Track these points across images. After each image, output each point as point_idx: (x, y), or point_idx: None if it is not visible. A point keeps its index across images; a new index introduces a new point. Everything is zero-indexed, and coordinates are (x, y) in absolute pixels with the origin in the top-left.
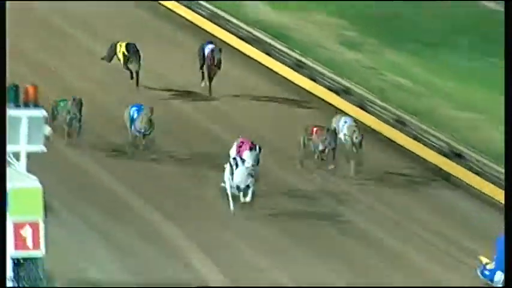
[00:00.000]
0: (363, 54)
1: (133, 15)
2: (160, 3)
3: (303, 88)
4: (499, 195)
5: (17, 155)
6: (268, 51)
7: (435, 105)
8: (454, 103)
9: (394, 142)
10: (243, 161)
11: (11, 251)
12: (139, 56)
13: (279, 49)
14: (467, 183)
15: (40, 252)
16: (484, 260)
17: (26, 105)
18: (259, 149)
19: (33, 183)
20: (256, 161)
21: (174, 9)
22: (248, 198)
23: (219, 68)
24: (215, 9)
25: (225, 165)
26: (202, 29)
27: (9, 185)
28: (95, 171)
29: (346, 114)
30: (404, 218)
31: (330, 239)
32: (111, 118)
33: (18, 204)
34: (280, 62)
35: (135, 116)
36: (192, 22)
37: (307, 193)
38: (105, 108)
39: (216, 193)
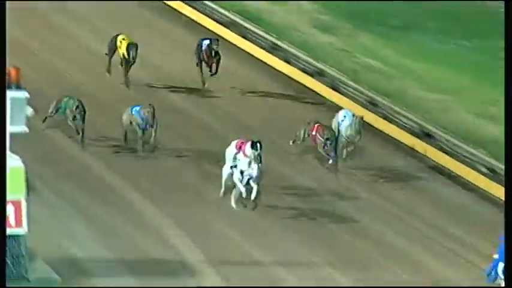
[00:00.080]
0: (336, 37)
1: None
2: None
3: (278, 70)
4: (469, 174)
5: None
6: (245, 34)
7: (406, 87)
8: (424, 85)
9: (366, 122)
10: (243, 157)
11: None
12: (136, 55)
13: (255, 32)
14: (437, 162)
15: (22, 230)
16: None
17: (9, 87)
18: (261, 146)
19: (15, 162)
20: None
21: None
22: (253, 196)
23: (218, 60)
24: None
25: (226, 166)
26: (183, 14)
27: None
28: (77, 152)
29: (345, 109)
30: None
31: (303, 215)
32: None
33: None
34: (256, 45)
35: (138, 116)
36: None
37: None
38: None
39: (196, 174)
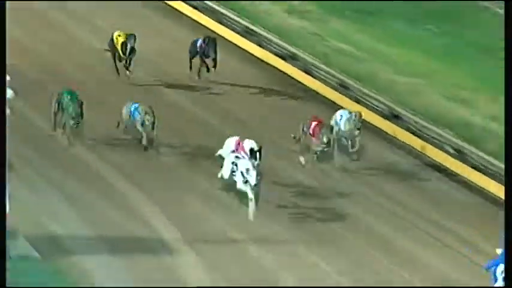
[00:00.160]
0: (308, 21)
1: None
2: None
3: (251, 54)
4: (437, 155)
5: None
6: (220, 19)
7: (377, 70)
8: (395, 68)
9: (338, 105)
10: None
11: None
12: (134, 49)
13: (229, 17)
14: (405, 143)
15: None
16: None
17: None
18: (260, 149)
19: None
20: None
21: None
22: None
23: (215, 59)
24: None
25: (224, 163)
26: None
27: None
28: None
29: (343, 108)
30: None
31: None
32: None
33: None
34: (231, 29)
35: (136, 114)
36: None
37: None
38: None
39: (175, 159)
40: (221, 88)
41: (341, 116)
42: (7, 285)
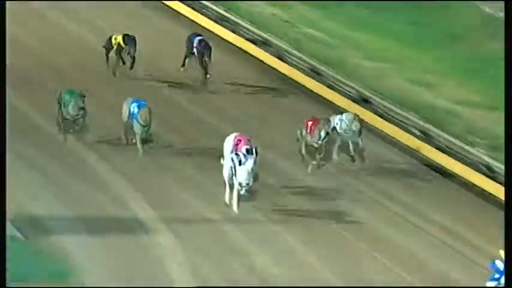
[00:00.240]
0: (280, 9)
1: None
2: None
3: (225, 40)
4: (402, 136)
5: None
6: (194, 6)
7: (346, 56)
8: (363, 53)
9: (309, 90)
10: (245, 158)
11: None
12: (135, 45)
13: (204, 5)
14: (374, 126)
15: None
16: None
17: None
18: (256, 149)
19: None
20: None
21: None
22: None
23: (210, 56)
24: None
25: (222, 161)
26: None
27: None
28: (35, 115)
29: (340, 113)
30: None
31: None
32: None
33: None
34: (206, 16)
35: (136, 111)
36: None
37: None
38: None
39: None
40: (194, 77)
41: (340, 120)
42: (7, 286)
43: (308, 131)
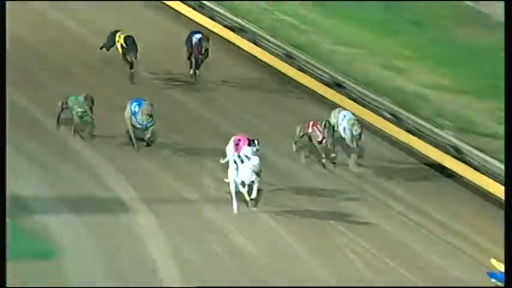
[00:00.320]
0: None
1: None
2: None
3: (204, 26)
4: (375, 120)
5: None
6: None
7: (320, 41)
8: (335, 39)
9: (283, 73)
10: (247, 158)
11: None
12: (137, 49)
13: None
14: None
15: None
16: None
17: None
18: (258, 143)
19: None
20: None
21: None
22: (253, 195)
23: (207, 56)
24: None
25: (221, 161)
26: None
27: None
28: (21, 99)
29: (344, 108)
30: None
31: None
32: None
33: None
34: (184, 3)
35: (137, 110)
36: None
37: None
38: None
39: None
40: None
41: (344, 116)
42: (7, 286)
43: (310, 132)
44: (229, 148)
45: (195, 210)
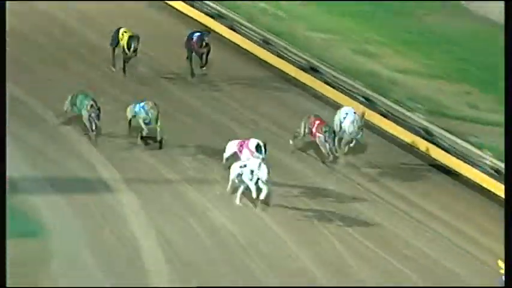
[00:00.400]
0: None
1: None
2: None
3: (185, 14)
4: (347, 102)
5: None
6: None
7: (296, 28)
8: (311, 25)
9: (261, 59)
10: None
11: None
12: (137, 45)
13: None
14: (322, 94)
15: None
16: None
17: None
18: (265, 146)
19: None
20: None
21: None
22: (263, 196)
23: (209, 50)
24: None
25: (223, 161)
26: None
27: None
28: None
29: (346, 106)
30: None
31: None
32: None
33: None
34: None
35: (141, 111)
36: None
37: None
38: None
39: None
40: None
41: (346, 113)
42: (7, 286)
43: (313, 131)
44: (231, 148)
45: (177, 190)
